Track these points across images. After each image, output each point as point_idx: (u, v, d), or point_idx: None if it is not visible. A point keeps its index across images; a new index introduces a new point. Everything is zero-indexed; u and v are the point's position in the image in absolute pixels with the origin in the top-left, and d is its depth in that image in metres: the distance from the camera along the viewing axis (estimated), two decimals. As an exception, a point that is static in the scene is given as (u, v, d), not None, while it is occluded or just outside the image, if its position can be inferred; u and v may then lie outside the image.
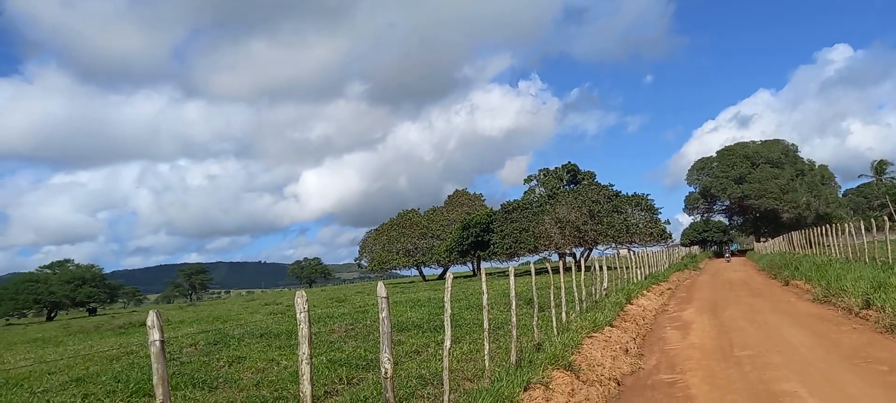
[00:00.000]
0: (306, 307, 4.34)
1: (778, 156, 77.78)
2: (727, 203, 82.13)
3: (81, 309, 77.28)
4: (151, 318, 3.56)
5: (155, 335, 3.52)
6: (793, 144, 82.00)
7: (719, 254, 67.74)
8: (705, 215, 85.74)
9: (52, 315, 73.11)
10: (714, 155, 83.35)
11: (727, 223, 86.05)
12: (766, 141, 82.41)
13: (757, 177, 74.97)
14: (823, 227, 29.88)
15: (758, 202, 74.72)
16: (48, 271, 77.26)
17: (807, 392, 7.78)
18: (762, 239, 69.27)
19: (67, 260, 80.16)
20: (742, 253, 72.43)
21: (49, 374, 11.44)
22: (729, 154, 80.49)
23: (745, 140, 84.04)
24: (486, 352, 8.30)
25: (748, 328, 13.63)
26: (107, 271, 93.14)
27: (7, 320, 72.17)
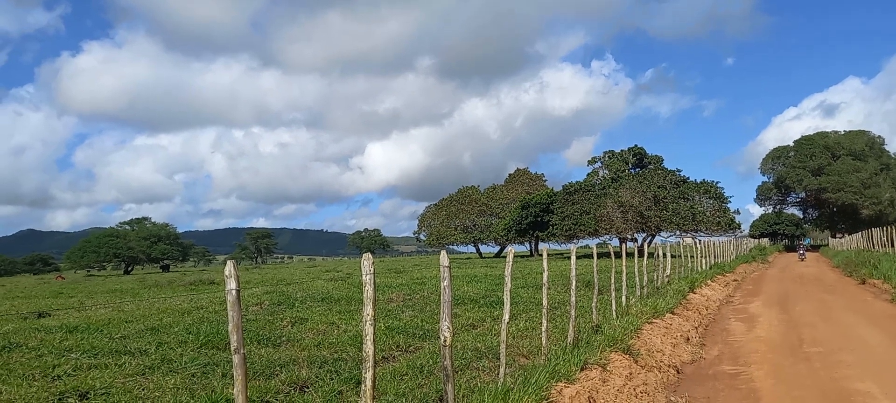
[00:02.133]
0: (372, 269, 4.43)
1: (862, 147, 73.17)
2: (802, 195, 78.13)
3: (155, 264, 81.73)
4: (229, 268, 3.72)
5: (231, 284, 3.68)
6: (879, 136, 76.91)
7: (791, 248, 64.75)
8: (778, 207, 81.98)
9: (129, 269, 77.57)
10: (791, 144, 79.34)
11: (801, 216, 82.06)
12: (849, 131, 77.55)
13: (836, 170, 70.87)
14: (908, 225, 28.09)
15: (835, 196, 70.74)
16: (127, 227, 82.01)
17: (881, 393, 7.40)
18: (838, 235, 65.70)
19: (145, 218, 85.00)
20: (815, 248, 69.00)
21: (126, 322, 12.17)
22: (807, 143, 76.31)
23: (828, 130, 79.43)
24: (543, 330, 8.27)
25: (819, 324, 13.04)
26: (180, 230, 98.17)
27: (88, 271, 77.07)
